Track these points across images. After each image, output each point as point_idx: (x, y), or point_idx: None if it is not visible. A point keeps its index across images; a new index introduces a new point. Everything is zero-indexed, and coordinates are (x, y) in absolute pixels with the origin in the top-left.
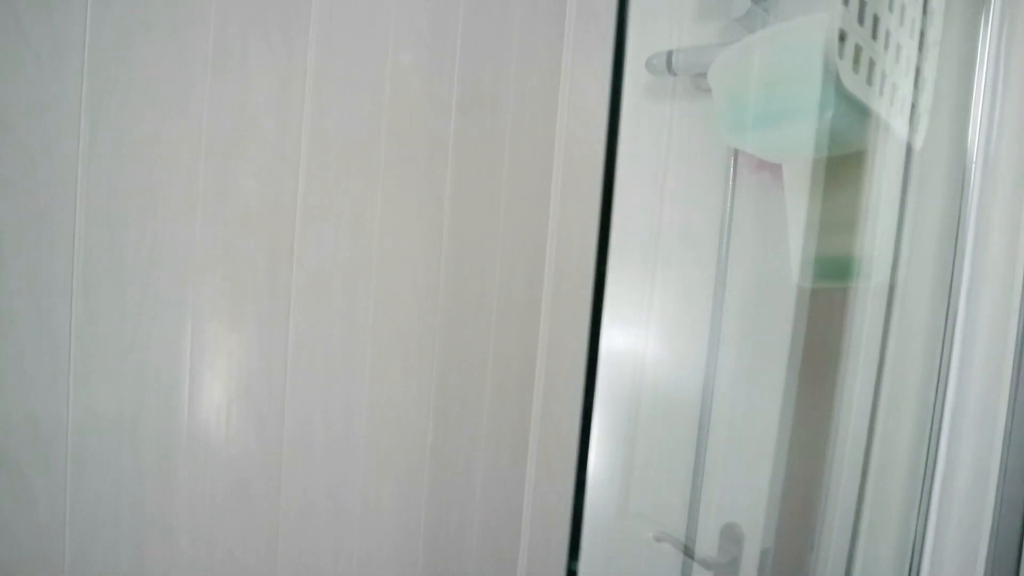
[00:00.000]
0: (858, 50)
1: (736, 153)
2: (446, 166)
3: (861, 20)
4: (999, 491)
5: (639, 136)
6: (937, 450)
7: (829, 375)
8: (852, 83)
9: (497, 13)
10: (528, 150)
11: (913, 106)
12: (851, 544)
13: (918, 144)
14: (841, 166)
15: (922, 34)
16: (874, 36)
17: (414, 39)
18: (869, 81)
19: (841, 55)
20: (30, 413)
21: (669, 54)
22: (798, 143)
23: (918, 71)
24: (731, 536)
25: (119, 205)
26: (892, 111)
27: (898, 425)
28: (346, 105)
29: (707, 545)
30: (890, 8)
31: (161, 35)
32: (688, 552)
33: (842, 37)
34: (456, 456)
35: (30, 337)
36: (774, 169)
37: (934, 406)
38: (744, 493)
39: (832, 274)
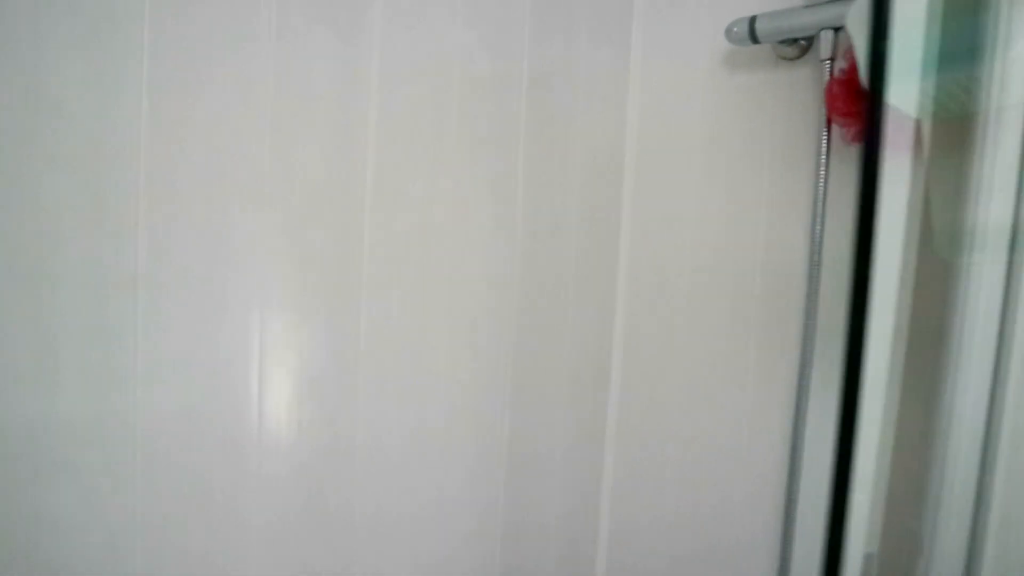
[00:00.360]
0: None
1: (830, 124)
2: (518, 146)
3: None
4: None
5: (719, 109)
6: None
7: (944, 358)
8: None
9: None
10: (599, 128)
11: None
12: (970, 550)
13: None
14: (994, 122)
15: None
16: None
17: (482, 14)
18: None
19: None
20: (95, 413)
21: (751, 20)
22: (962, 92)
23: None
24: None
25: (182, 189)
26: None
27: None
28: (414, 83)
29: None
30: None
31: (223, 9)
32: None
33: None
34: (532, 452)
35: (93, 332)
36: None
37: None
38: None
39: (980, 246)
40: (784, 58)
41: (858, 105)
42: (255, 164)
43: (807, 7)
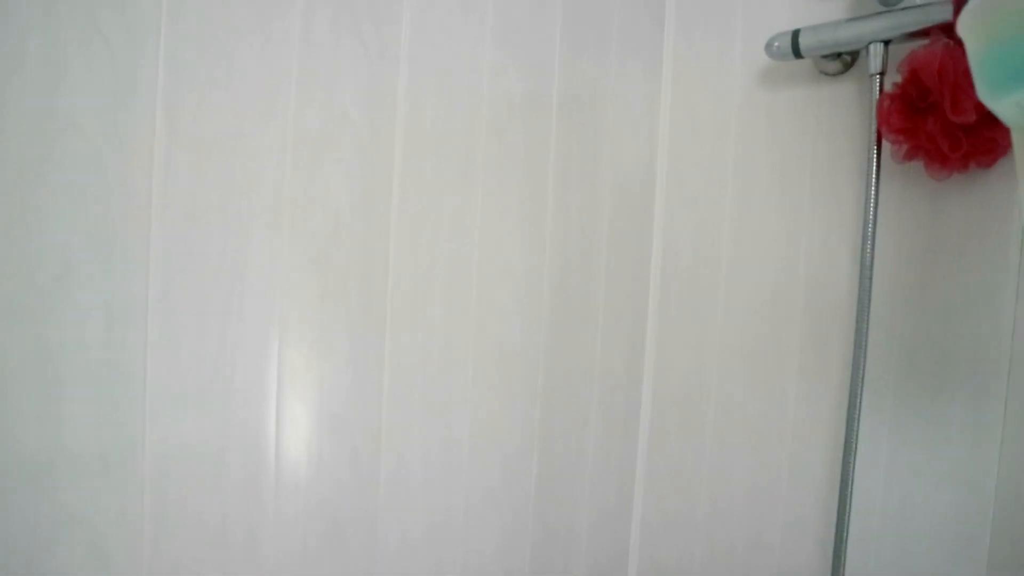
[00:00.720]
0: None
1: (880, 142)
2: (547, 167)
3: None
4: None
5: (756, 128)
6: None
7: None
8: None
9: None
10: (630, 148)
11: None
12: None
13: None
14: None
15: None
16: None
17: (513, 31)
18: None
19: None
20: (101, 453)
21: (795, 34)
22: None
23: None
24: None
25: (198, 214)
26: None
27: None
28: (442, 102)
29: None
30: None
31: (244, 25)
32: None
33: None
34: (562, 490)
35: (101, 364)
36: (932, 155)
37: None
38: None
39: None
40: (826, 73)
41: (914, 121)
42: (275, 186)
43: (851, 20)
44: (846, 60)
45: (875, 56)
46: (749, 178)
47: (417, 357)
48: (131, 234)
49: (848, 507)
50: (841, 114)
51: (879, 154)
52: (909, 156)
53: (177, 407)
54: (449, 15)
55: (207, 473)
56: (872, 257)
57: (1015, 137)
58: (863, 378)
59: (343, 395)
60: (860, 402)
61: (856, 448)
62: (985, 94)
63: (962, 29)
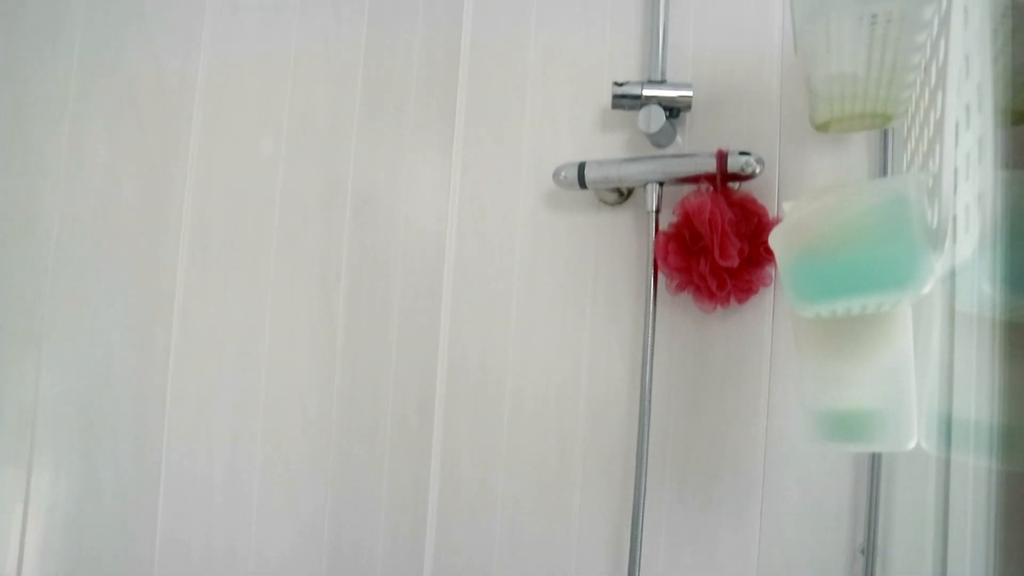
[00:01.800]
0: (935, 207)
1: (656, 270)
2: (340, 272)
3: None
4: None
5: (541, 245)
6: None
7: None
8: (935, 242)
9: (392, 105)
10: (420, 254)
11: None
12: None
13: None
14: (879, 316)
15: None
16: (956, 191)
17: (307, 124)
18: (952, 239)
19: (928, 217)
20: None
21: (581, 167)
22: (879, 305)
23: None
24: None
25: None
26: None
27: None
28: (233, 207)
29: None
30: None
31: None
32: None
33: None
34: None
35: None
36: (701, 291)
37: None
38: None
39: (850, 433)
40: (605, 202)
41: (688, 261)
42: (30, 312)
43: (631, 160)
44: (623, 192)
45: (651, 195)
46: (535, 293)
47: (199, 488)
48: None
49: None
50: (620, 241)
51: (655, 284)
52: (680, 288)
53: None
54: (243, 110)
55: None
56: (651, 377)
57: (796, 321)
58: (644, 488)
59: (112, 557)
60: (642, 511)
61: (640, 553)
62: (793, 301)
63: (773, 243)
